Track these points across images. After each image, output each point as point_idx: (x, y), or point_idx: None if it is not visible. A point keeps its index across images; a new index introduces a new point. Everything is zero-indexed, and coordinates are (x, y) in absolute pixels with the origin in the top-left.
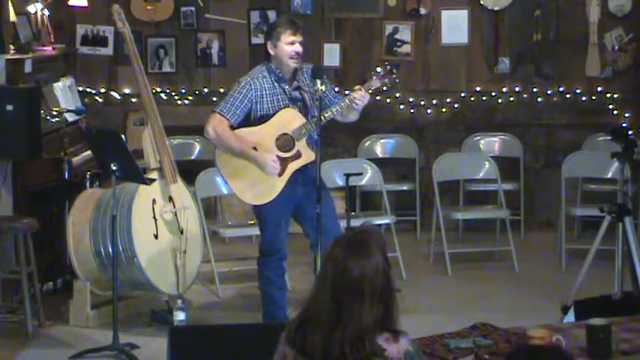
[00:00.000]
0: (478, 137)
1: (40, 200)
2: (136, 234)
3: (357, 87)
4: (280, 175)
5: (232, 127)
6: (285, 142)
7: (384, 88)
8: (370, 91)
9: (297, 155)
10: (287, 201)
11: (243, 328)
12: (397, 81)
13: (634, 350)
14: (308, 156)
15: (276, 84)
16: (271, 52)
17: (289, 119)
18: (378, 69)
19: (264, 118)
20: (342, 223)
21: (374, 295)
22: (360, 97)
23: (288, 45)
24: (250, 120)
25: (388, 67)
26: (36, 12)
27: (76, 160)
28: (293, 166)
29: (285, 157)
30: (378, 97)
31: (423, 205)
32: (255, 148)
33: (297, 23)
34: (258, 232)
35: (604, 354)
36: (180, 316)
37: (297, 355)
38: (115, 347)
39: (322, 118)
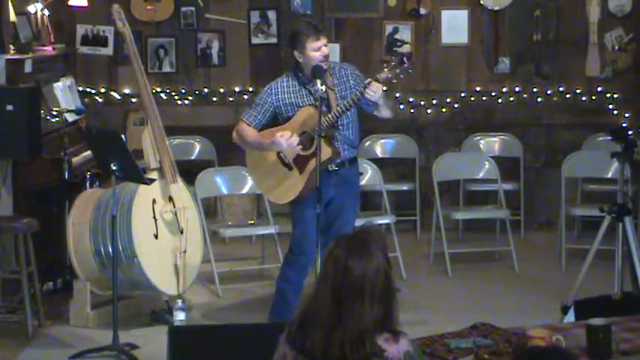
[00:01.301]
0: (478, 137)
1: (40, 200)
2: (136, 234)
3: (368, 80)
4: (301, 173)
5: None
6: (306, 140)
7: (396, 79)
8: (381, 82)
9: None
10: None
11: (243, 328)
12: (410, 71)
13: (634, 350)
14: (327, 152)
15: (301, 86)
16: (299, 59)
17: (308, 117)
18: (393, 58)
19: (289, 119)
20: None
21: (374, 295)
22: (368, 85)
23: (315, 51)
24: (278, 122)
25: (399, 56)
26: (36, 12)
27: (76, 160)
28: (314, 164)
29: (305, 155)
30: None
31: (423, 205)
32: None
33: (317, 26)
34: (258, 232)
35: (604, 354)
36: (180, 316)
37: (297, 355)
38: (115, 347)
39: (336, 112)
